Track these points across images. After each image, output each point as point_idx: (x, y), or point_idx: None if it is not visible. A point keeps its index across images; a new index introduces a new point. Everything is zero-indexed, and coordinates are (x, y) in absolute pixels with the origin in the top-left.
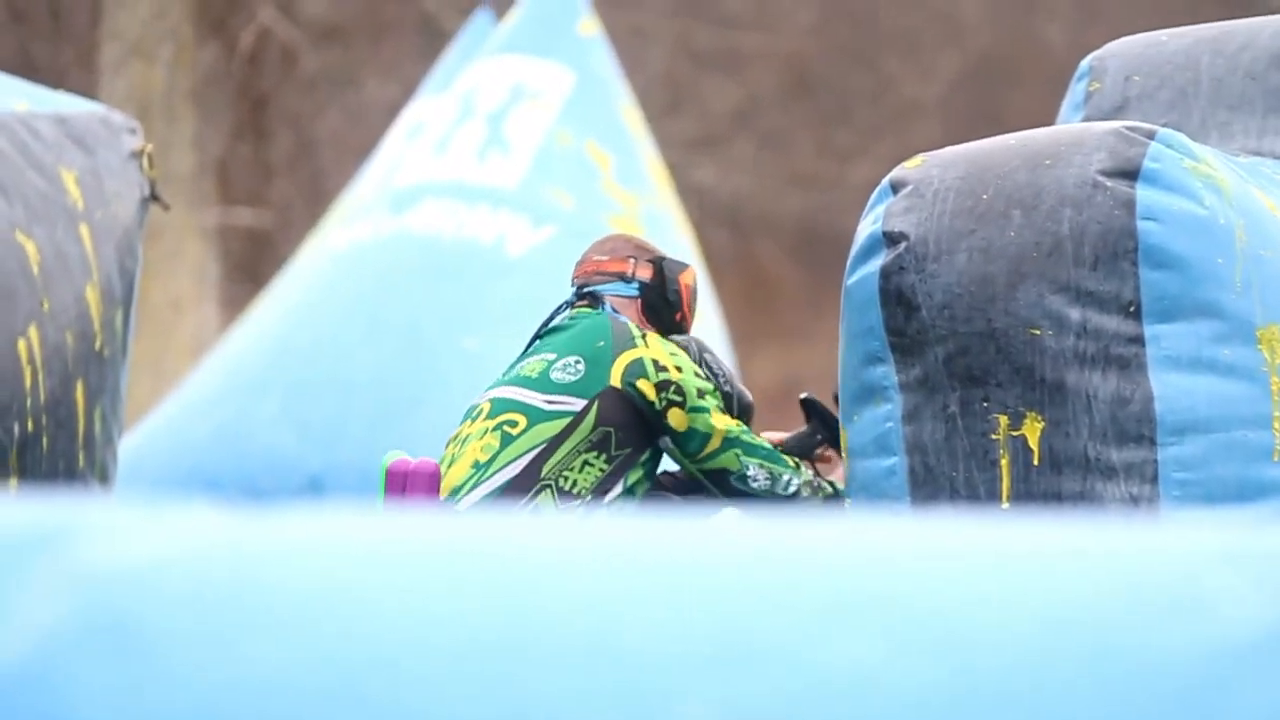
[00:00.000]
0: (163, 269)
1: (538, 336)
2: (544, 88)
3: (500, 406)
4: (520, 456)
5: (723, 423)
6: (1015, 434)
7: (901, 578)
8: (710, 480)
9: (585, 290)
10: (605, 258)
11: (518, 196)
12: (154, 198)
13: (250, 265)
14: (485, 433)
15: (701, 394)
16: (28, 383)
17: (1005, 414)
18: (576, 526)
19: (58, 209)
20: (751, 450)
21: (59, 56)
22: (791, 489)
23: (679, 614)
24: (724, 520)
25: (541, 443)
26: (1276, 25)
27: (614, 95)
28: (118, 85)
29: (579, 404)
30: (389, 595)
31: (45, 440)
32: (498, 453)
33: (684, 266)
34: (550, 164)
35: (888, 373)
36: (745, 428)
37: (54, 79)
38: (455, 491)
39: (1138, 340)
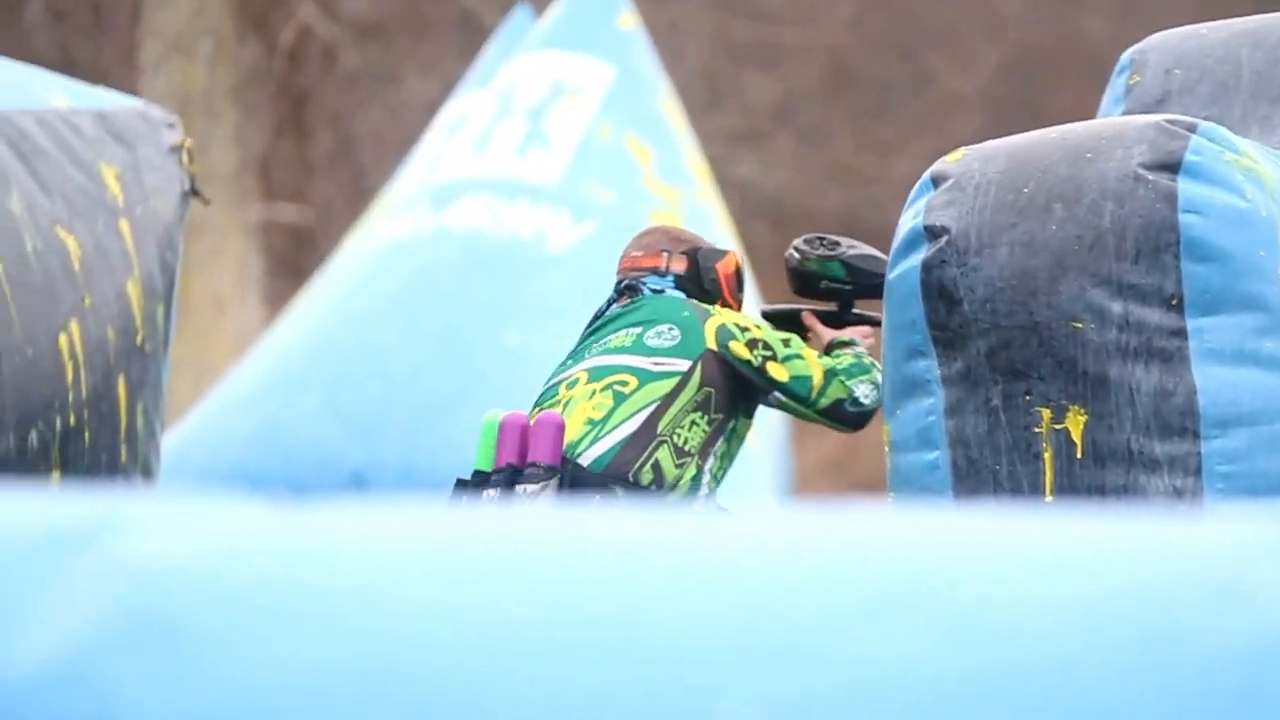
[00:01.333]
0: (205, 266)
1: (593, 330)
2: (584, 83)
3: (603, 371)
4: (637, 413)
5: (814, 358)
6: (1058, 427)
7: (944, 570)
8: (828, 418)
9: (625, 286)
10: (640, 253)
11: (558, 192)
12: (194, 192)
13: (292, 261)
14: (594, 394)
15: (786, 342)
16: (69, 377)
17: (1048, 407)
18: (613, 521)
19: (98, 205)
20: (849, 372)
21: (100, 55)
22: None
23: (718, 609)
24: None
25: (655, 400)
26: None
27: (654, 90)
28: (158, 83)
29: (684, 364)
30: (431, 592)
31: (87, 434)
32: (613, 410)
33: (721, 254)
34: (590, 159)
35: (930, 366)
36: (824, 354)
37: (95, 77)
38: (572, 448)
39: (1180, 333)
